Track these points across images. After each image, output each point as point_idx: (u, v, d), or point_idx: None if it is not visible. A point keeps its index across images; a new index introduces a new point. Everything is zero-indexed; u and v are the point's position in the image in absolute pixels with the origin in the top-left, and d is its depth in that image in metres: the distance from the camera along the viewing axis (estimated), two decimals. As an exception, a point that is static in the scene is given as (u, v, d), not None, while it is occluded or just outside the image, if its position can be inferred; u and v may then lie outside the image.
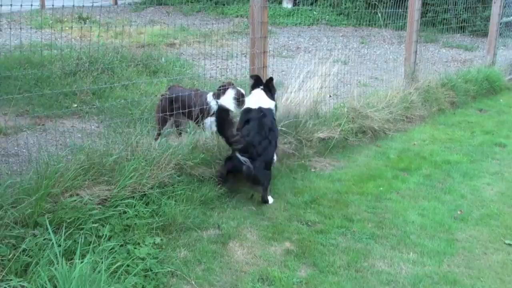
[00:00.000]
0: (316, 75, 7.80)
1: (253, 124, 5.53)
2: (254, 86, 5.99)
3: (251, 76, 6.16)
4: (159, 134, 6.41)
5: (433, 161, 7.03)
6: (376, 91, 9.25)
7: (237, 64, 10.74)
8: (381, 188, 6.04)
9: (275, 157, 5.78)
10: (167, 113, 6.29)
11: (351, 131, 7.58)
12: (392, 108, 8.48)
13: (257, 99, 5.80)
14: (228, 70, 10.47)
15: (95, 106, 7.69)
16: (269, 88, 5.98)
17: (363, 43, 16.38)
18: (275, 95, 6.10)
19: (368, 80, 11.43)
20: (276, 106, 6.02)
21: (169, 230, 4.65)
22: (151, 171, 5.00)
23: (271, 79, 6.03)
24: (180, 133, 6.66)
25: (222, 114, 5.32)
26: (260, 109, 5.67)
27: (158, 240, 4.44)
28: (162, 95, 6.58)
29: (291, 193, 5.78)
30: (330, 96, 8.59)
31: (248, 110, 5.72)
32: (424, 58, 11.11)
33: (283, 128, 6.66)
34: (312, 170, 6.53)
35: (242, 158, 5.27)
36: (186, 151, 5.53)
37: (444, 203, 5.71)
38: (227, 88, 6.19)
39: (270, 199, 5.50)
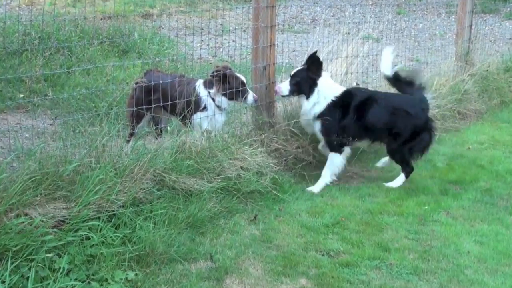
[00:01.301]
0: (339, 57, 7.81)
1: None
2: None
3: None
4: (132, 135, 6.42)
5: (494, 171, 7.04)
6: (418, 78, 9.26)
7: (233, 41, 10.77)
8: (426, 207, 6.04)
9: None
10: (143, 106, 6.30)
11: (386, 131, 7.57)
12: (439, 101, 8.50)
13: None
14: (222, 49, 10.50)
15: (47, 97, 7.71)
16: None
17: (400, 13, 16.43)
18: None
19: (408, 63, 11.44)
20: None
21: (146, 262, 4.64)
22: (122, 184, 5.00)
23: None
24: (159, 133, 6.67)
25: None
26: None
27: (131, 275, 4.43)
28: (136, 83, 6.60)
29: (307, 213, 5.78)
30: (357, 84, 8.59)
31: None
32: (481, 34, 11.12)
33: (293, 129, 6.67)
34: (335, 182, 6.53)
35: None
36: (168, 157, 5.53)
37: (509, 227, 5.71)
38: (224, 74, 6.21)
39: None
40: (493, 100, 9.53)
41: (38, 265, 4.15)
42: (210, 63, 10.26)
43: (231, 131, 6.44)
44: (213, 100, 6.35)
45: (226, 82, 6.31)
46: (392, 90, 6.97)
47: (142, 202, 5.10)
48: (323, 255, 5.06)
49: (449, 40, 13.13)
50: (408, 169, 6.57)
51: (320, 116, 6.40)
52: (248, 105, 6.65)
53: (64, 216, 4.60)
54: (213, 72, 6.33)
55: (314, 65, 6.46)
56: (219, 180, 5.72)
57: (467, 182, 6.72)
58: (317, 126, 6.45)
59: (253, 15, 6.66)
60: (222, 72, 6.29)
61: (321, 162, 6.70)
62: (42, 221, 4.43)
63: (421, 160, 7.25)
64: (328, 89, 6.44)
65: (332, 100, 6.40)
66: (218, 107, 6.39)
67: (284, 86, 6.53)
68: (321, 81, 6.44)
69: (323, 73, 6.51)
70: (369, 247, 5.18)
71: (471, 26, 9.78)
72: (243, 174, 5.88)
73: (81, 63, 9.17)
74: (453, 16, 15.10)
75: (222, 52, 10.34)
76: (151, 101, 6.31)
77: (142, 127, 6.59)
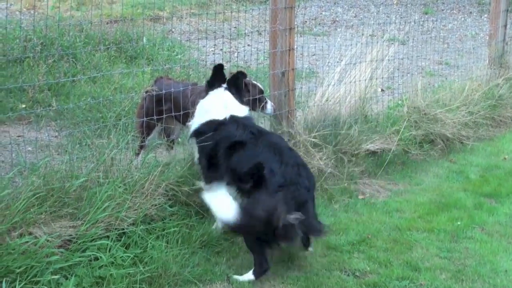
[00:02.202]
0: (363, 61, 7.82)
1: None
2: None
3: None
4: (142, 147, 6.44)
5: (532, 183, 7.01)
6: (448, 83, 9.26)
7: (248, 45, 10.80)
8: (459, 223, 6.02)
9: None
10: (154, 117, 6.32)
11: (414, 141, 7.58)
12: (471, 108, 8.48)
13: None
14: (236, 54, 10.53)
15: (51, 108, 7.75)
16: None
17: (427, 13, 16.42)
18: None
19: (436, 67, 11.43)
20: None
21: (158, 284, 4.66)
22: (132, 200, 5.04)
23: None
24: (171, 145, 6.69)
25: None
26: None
27: (143, 298, 4.47)
28: (146, 92, 6.63)
29: (331, 230, 5.78)
30: (382, 90, 8.62)
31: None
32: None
33: (315, 140, 6.68)
34: (360, 196, 6.54)
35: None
36: (181, 171, 5.55)
37: (550, 244, 5.68)
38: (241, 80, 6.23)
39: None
40: (531, 106, 9.49)
41: (43, 288, 4.19)
42: (224, 69, 10.28)
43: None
44: None
45: (245, 91, 6.32)
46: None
47: (153, 220, 5.13)
48: (348, 275, 5.06)
49: (482, 42, 13.12)
50: None
51: None
52: (267, 115, 6.65)
53: (70, 235, 4.63)
54: (230, 80, 6.33)
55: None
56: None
57: (503, 195, 6.69)
58: None
59: (270, 17, 6.68)
60: (239, 78, 6.31)
61: (346, 175, 6.70)
62: (48, 240, 4.47)
63: (452, 172, 7.26)
64: None
65: None
66: None
67: None
68: None
69: None
70: (397, 267, 5.17)
71: (505, 26, 9.75)
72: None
73: (86, 70, 9.22)
74: (486, 15, 15.09)
75: (237, 57, 10.36)
76: (162, 111, 6.32)
77: (153, 139, 6.60)
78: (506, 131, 8.84)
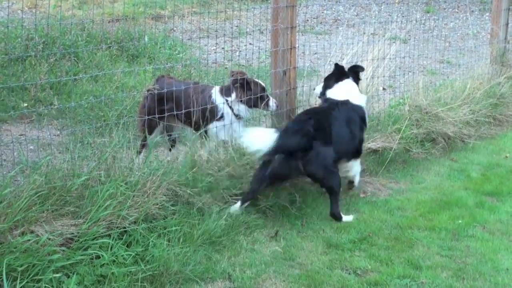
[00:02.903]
0: (364, 60, 7.82)
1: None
2: (340, 76, 6.54)
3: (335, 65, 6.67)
4: (143, 146, 6.45)
5: (534, 182, 7.02)
6: (450, 81, 9.26)
7: (250, 44, 10.80)
8: (460, 221, 6.03)
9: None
10: (155, 115, 6.33)
11: (415, 139, 7.58)
12: (473, 106, 8.48)
13: (345, 92, 6.38)
14: (238, 53, 10.53)
15: (53, 106, 7.77)
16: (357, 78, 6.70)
17: (429, 12, 16.43)
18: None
19: (438, 65, 11.43)
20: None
21: (160, 282, 4.67)
22: (134, 199, 5.04)
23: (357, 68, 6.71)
24: (173, 144, 6.70)
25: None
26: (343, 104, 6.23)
27: (145, 296, 4.48)
28: (147, 91, 6.64)
29: (332, 228, 5.80)
30: (384, 89, 8.61)
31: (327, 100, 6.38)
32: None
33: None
34: (361, 195, 6.54)
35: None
36: (182, 170, 5.56)
37: (551, 242, 5.69)
38: (246, 80, 6.25)
39: (346, 217, 5.94)
40: (532, 104, 9.48)
41: (45, 286, 4.20)
42: (226, 68, 10.30)
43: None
44: (231, 108, 6.39)
45: (247, 89, 6.35)
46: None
47: (155, 218, 5.13)
48: (349, 273, 5.06)
49: (483, 40, 13.12)
50: None
51: None
52: (270, 112, 6.67)
53: (72, 234, 4.64)
54: (234, 79, 6.36)
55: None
56: (238, 193, 5.75)
57: (504, 193, 6.69)
58: None
59: (272, 16, 6.69)
60: (243, 77, 6.33)
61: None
62: (49, 239, 4.48)
63: (454, 171, 7.26)
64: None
65: None
66: (237, 115, 6.42)
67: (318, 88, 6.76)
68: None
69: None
70: (398, 265, 5.18)
71: (507, 24, 9.75)
72: (263, 186, 5.90)
73: (88, 69, 9.23)
74: (487, 14, 15.10)
75: (238, 55, 10.36)
76: (164, 110, 6.34)
77: (155, 138, 6.61)
78: (507, 129, 8.83)
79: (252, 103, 6.43)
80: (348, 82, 6.48)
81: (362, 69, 6.79)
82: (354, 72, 6.62)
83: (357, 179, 6.53)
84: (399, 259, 5.27)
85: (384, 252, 5.39)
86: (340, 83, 6.47)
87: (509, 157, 7.78)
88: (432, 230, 5.82)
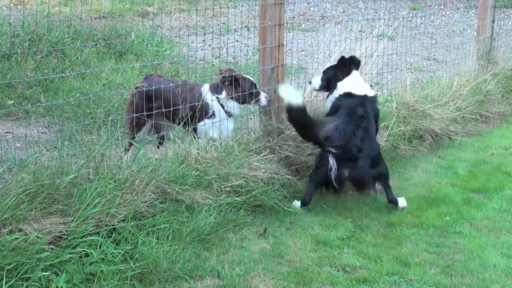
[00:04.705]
0: (351, 57, 7.82)
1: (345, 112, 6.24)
2: (347, 69, 6.60)
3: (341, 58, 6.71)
4: (131, 144, 6.44)
5: (521, 178, 7.06)
6: (437, 78, 9.30)
7: (237, 41, 10.80)
8: (448, 218, 6.06)
9: None
10: (144, 113, 6.31)
11: (403, 136, 7.61)
12: (459, 103, 8.52)
13: (360, 84, 6.53)
14: (225, 50, 10.52)
15: (40, 104, 7.74)
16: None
17: (415, 9, 16.48)
18: None
19: (424, 62, 11.47)
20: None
21: (149, 280, 4.66)
22: (122, 197, 5.03)
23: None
24: (161, 142, 6.69)
25: (299, 114, 6.02)
26: (366, 98, 6.39)
27: (134, 294, 4.47)
28: (136, 88, 6.62)
29: (320, 225, 5.81)
30: (371, 86, 8.60)
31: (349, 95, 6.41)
32: (504, 31, 11.14)
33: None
34: (349, 192, 6.55)
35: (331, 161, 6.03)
36: (171, 168, 5.55)
37: (538, 239, 5.72)
38: (235, 77, 6.25)
39: (402, 201, 6.20)
40: (518, 101, 9.54)
41: (34, 285, 4.19)
42: (213, 65, 10.29)
43: (237, 138, 6.47)
44: (222, 105, 6.39)
45: (237, 85, 6.35)
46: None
47: (144, 216, 5.12)
48: (338, 270, 5.08)
49: (469, 37, 13.16)
50: None
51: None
52: (261, 107, 6.67)
53: (61, 232, 4.62)
54: (223, 77, 6.35)
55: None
56: (226, 190, 5.75)
57: (491, 190, 6.73)
58: None
59: (260, 13, 6.68)
60: (232, 74, 6.33)
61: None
62: (38, 237, 4.46)
63: (441, 168, 7.28)
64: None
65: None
66: (228, 112, 6.42)
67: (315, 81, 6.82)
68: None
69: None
70: (387, 262, 5.20)
71: (493, 21, 9.79)
72: (251, 184, 5.90)
73: (75, 66, 9.19)
74: (473, 11, 15.13)
75: (226, 53, 10.36)
76: (152, 108, 6.32)
77: (143, 135, 6.59)
78: (494, 126, 8.88)
79: (244, 100, 6.43)
80: (357, 75, 6.64)
81: (359, 61, 6.86)
82: (356, 65, 6.71)
83: None
84: (388, 256, 5.29)
85: (373, 249, 5.41)
86: (351, 75, 6.58)
87: (495, 154, 7.82)
88: (420, 227, 5.84)
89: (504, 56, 10.10)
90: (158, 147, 6.69)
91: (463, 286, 4.91)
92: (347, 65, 6.61)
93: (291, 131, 6.62)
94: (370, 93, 6.49)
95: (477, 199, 6.51)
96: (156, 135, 6.69)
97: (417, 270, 5.09)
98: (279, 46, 6.70)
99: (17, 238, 4.39)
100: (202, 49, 11.47)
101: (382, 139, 7.27)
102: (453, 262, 5.24)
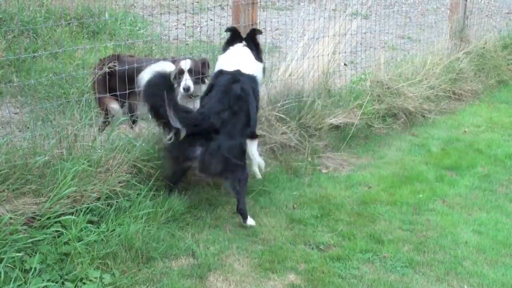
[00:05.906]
0: (325, 36, 7.83)
1: (217, 91, 5.59)
2: (231, 42, 6.06)
3: (227, 29, 6.24)
4: (105, 123, 6.39)
5: (493, 155, 7.13)
6: (410, 57, 9.33)
7: (211, 20, 10.73)
8: (421, 195, 6.12)
9: (253, 150, 5.82)
10: (117, 93, 6.24)
11: (377, 115, 7.64)
12: (433, 81, 8.56)
13: (236, 59, 5.85)
14: (199, 29, 10.46)
15: (12, 84, 7.66)
16: (255, 44, 6.07)
17: (389, -13, 16.45)
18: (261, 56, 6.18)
19: (399, 41, 11.49)
20: (264, 69, 6.15)
21: (124, 260, 4.66)
22: (97, 177, 5.01)
23: (255, 31, 6.13)
24: (135, 121, 6.65)
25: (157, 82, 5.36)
26: (238, 74, 5.71)
27: (108, 274, 4.46)
28: (98, 64, 6.54)
29: (295, 204, 5.84)
30: (345, 64, 8.63)
31: (219, 73, 5.79)
32: (477, 9, 11.18)
33: (279, 114, 6.69)
34: (324, 170, 6.58)
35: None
36: (145, 147, 5.54)
37: (509, 215, 5.79)
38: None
39: (250, 220, 5.42)
40: (490, 79, 9.61)
41: (7, 266, 4.16)
42: (187, 44, 10.24)
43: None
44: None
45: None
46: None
47: (118, 196, 5.11)
48: (312, 248, 5.11)
49: (443, 16, 13.20)
50: None
51: None
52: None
53: (34, 212, 4.60)
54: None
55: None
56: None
57: (463, 167, 6.79)
58: None
59: (233, -8, 6.65)
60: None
61: (310, 149, 6.74)
62: (11, 218, 4.43)
63: (414, 145, 7.33)
64: None
65: None
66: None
67: None
68: None
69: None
70: (361, 239, 5.24)
71: (466, 0, 9.83)
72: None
73: (47, 46, 9.09)
74: (447, -10, 15.17)
75: (200, 32, 10.30)
76: (123, 88, 6.22)
77: (116, 115, 6.52)
78: (466, 104, 8.95)
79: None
80: (237, 49, 6.00)
81: (259, 32, 6.22)
82: (249, 36, 6.09)
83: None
84: (362, 234, 5.33)
85: (347, 227, 5.44)
86: (231, 48, 6.03)
87: (467, 132, 7.88)
88: (393, 205, 5.89)
89: (477, 34, 10.14)
90: (132, 127, 6.64)
91: (436, 262, 4.97)
92: (234, 37, 6.10)
93: (265, 112, 6.63)
94: (246, 69, 5.78)
95: (450, 177, 6.57)
96: (129, 115, 6.64)
97: (391, 247, 5.13)
98: (252, 24, 6.67)
99: (-11, 219, 4.36)
100: (176, 28, 11.39)
101: (356, 117, 7.30)
102: (426, 239, 5.30)
